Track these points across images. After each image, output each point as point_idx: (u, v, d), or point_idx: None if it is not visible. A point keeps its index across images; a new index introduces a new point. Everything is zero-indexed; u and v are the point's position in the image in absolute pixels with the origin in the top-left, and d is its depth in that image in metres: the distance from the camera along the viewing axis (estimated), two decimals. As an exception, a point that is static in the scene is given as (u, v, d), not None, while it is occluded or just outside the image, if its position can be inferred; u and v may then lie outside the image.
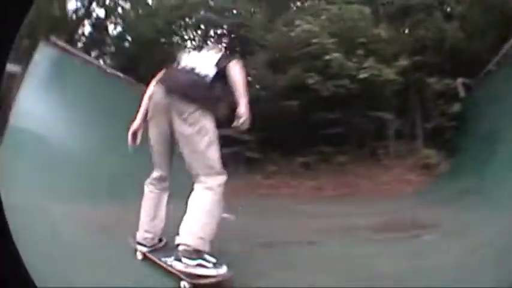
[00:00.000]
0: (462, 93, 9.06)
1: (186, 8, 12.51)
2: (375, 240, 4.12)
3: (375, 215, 5.54)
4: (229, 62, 2.65)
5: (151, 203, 2.86)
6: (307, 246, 3.88)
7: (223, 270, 2.37)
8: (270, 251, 3.57)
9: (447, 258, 3.06)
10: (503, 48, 7.45)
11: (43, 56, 7.24)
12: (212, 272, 2.33)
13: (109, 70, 9.40)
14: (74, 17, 12.36)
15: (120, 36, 13.30)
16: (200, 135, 2.51)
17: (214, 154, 2.55)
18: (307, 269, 2.98)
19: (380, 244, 3.90)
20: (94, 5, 12.73)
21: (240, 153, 9.66)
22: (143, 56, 11.70)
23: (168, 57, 13.31)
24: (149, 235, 2.84)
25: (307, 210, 6.47)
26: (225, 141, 8.46)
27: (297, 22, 9.70)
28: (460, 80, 9.02)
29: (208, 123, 2.55)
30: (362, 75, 8.83)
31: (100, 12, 13.17)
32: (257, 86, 10.26)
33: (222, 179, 2.54)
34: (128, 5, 13.39)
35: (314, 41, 9.14)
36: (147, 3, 13.51)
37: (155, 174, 2.86)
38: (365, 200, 7.44)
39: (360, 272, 2.85)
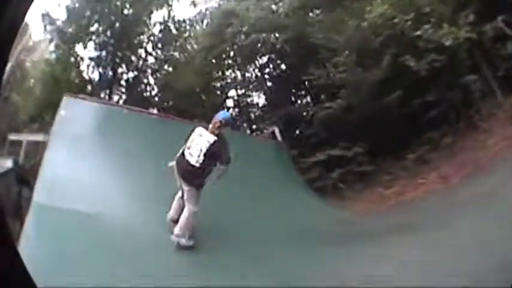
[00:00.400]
0: (508, 30, 8.64)
1: (221, 46, 11.74)
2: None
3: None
4: (215, 164, 4.73)
5: (176, 206, 5.07)
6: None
7: (190, 242, 4.72)
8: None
9: None
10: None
11: (72, 111, 6.03)
12: (184, 242, 4.67)
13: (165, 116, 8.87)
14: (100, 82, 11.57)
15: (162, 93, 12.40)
16: (190, 191, 4.74)
17: (195, 199, 4.71)
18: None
19: None
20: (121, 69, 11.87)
21: (352, 171, 8.99)
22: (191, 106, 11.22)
23: (218, 98, 12.76)
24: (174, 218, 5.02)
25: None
26: (334, 163, 9.21)
27: (368, 8, 8.97)
28: (500, 18, 8.57)
29: (194, 189, 4.77)
30: (447, 43, 8.16)
31: (130, 75, 12.30)
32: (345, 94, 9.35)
33: (196, 207, 4.72)
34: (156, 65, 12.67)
35: (395, 21, 8.56)
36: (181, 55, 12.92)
37: (179, 194, 5.05)
38: (492, 169, 6.75)
39: None
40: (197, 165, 4.58)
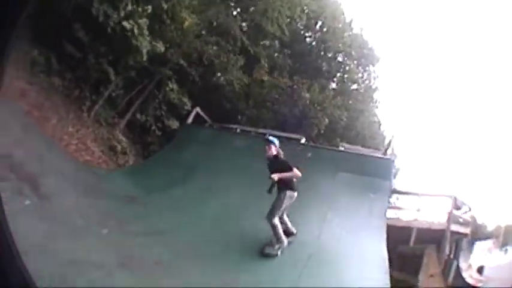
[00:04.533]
0: (190, 120, 10.25)
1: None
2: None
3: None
4: None
5: None
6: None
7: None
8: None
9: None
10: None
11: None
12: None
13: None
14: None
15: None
16: None
17: None
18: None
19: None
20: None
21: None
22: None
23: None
24: None
25: None
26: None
27: None
28: (197, 109, 10.35)
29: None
30: (124, 23, 8.36)
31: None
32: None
33: None
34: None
35: None
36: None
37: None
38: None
39: None
40: None
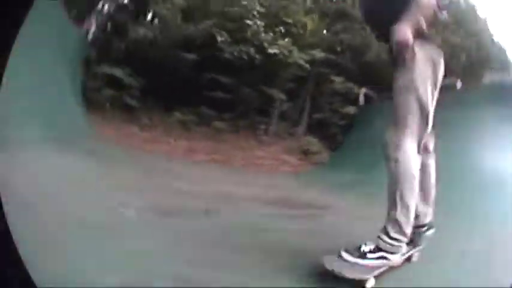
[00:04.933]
0: (361, 101, 9.95)
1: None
2: (267, 214, 4.04)
3: (254, 186, 5.77)
4: None
5: None
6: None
7: None
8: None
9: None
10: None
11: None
12: None
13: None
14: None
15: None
16: None
17: None
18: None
19: (276, 219, 3.82)
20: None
21: (118, 98, 8.54)
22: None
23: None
24: None
25: (180, 171, 6.21)
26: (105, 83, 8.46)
27: None
28: (363, 90, 10.10)
29: None
30: (271, 50, 9.02)
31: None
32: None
33: None
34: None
35: (243, 2, 9.25)
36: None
37: None
38: (238, 170, 7.51)
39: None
40: None
